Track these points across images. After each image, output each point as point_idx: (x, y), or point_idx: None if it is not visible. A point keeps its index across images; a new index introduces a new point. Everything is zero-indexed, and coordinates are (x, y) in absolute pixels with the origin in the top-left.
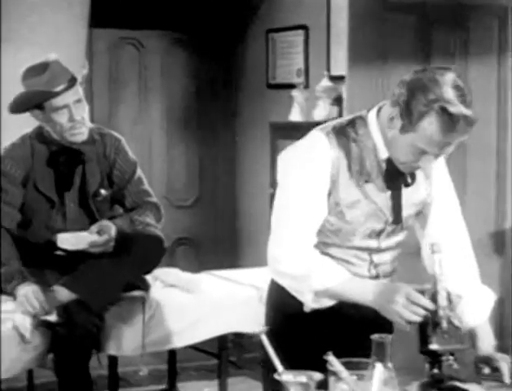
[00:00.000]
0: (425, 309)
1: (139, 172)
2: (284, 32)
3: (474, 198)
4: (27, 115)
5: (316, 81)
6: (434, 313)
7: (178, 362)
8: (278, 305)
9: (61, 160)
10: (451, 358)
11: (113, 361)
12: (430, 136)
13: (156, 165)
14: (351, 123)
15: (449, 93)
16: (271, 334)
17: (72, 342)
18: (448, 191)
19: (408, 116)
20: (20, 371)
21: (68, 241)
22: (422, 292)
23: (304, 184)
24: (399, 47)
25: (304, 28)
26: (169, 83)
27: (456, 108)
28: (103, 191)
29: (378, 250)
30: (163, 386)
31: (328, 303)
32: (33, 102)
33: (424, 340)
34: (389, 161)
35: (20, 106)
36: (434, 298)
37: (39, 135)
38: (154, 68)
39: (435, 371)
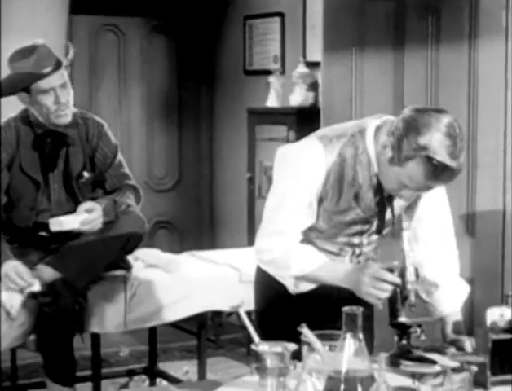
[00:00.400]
0: (393, 283)
1: (120, 156)
2: (260, 19)
3: None
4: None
5: (292, 68)
6: (403, 287)
7: (159, 343)
8: (264, 287)
9: (46, 142)
10: (418, 329)
11: (96, 341)
12: (414, 177)
13: (136, 150)
14: (351, 136)
15: (439, 142)
16: (259, 315)
17: (56, 320)
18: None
19: (398, 152)
20: (5, 348)
21: (61, 224)
22: (391, 269)
23: (296, 190)
24: (374, 34)
25: (280, 15)
26: (149, 70)
27: (442, 160)
28: (86, 174)
29: (361, 245)
30: (143, 365)
31: (308, 287)
32: (21, 84)
33: (393, 313)
34: None
35: (9, 88)
36: (402, 273)
37: (24, 118)
38: (134, 54)
39: (404, 342)
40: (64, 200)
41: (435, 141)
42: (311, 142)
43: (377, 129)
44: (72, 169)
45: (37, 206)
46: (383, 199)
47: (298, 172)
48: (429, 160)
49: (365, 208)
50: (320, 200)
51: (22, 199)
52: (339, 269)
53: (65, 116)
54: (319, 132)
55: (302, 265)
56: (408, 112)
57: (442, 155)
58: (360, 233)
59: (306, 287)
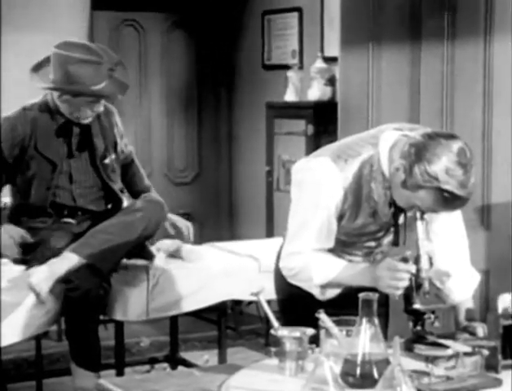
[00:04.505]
0: (408, 272)
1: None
2: (279, 15)
3: None
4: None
5: (311, 62)
6: (417, 275)
7: (180, 334)
8: (284, 277)
9: (69, 128)
10: (432, 316)
11: (120, 330)
12: (425, 202)
13: (156, 144)
14: (367, 157)
15: (449, 172)
16: (280, 303)
17: (81, 304)
18: None
19: (409, 178)
20: (30, 335)
21: None
22: (406, 258)
23: (314, 215)
24: (390, 29)
25: (299, 10)
26: (169, 64)
27: (452, 190)
28: (108, 157)
29: (378, 247)
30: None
31: (334, 292)
32: (75, 89)
33: (408, 300)
34: None
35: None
36: (416, 262)
37: (44, 105)
38: (154, 49)
39: (418, 328)
40: (86, 180)
41: (445, 171)
42: (327, 165)
43: (391, 148)
44: (96, 151)
45: (54, 186)
46: (398, 209)
47: (316, 198)
48: (439, 190)
49: (382, 223)
50: (339, 219)
51: (38, 179)
52: (358, 269)
53: (83, 119)
54: (332, 150)
55: (323, 274)
56: (419, 138)
57: (452, 186)
58: (377, 239)
59: (332, 292)
